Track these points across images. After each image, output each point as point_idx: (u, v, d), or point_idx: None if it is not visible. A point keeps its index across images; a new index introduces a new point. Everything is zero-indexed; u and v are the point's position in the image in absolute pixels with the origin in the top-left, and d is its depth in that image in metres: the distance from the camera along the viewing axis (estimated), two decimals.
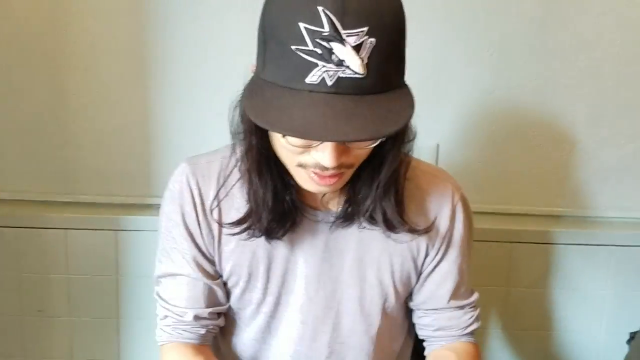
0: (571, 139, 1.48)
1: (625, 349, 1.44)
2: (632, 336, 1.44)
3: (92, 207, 1.50)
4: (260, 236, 0.88)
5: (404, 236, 0.92)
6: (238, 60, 1.24)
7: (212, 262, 0.94)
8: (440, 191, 0.95)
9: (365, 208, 0.87)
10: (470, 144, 1.47)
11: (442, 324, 0.99)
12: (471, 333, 1.01)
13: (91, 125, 1.45)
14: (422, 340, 1.03)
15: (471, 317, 1.00)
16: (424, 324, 1.01)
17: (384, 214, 0.87)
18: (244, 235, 0.88)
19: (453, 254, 0.96)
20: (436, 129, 1.46)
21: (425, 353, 1.02)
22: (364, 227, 0.91)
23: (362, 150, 0.78)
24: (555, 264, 1.51)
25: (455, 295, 0.98)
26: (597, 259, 1.50)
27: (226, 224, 0.90)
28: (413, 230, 0.90)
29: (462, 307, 0.99)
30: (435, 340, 1.01)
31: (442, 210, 0.94)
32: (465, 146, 1.48)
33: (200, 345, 0.95)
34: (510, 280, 1.52)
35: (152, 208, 1.46)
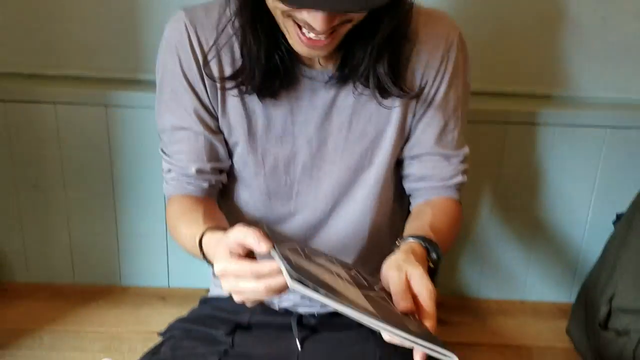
0: (574, 15, 1.43)
1: (611, 230, 1.48)
2: (619, 217, 1.48)
3: (81, 81, 1.47)
4: (252, 93, 0.87)
5: (395, 101, 0.91)
6: None
7: (213, 116, 0.93)
8: (436, 31, 0.92)
9: (360, 72, 0.86)
10: (469, 20, 1.41)
11: (425, 172, 0.98)
12: (455, 187, 0.99)
13: None
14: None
15: (456, 169, 0.98)
16: (408, 173, 1.00)
17: (377, 80, 0.86)
18: (236, 91, 0.87)
19: (440, 96, 0.94)
20: (434, 3, 1.39)
21: (410, 209, 1.03)
22: (359, 93, 0.90)
23: (355, 14, 0.75)
24: (547, 145, 1.51)
25: (439, 140, 0.96)
26: (589, 140, 1.50)
27: (218, 78, 0.88)
28: (405, 95, 0.89)
29: (447, 158, 0.98)
30: (418, 193, 1.00)
31: (435, 52, 0.92)
32: (465, 22, 1.37)
33: (203, 198, 0.96)
34: (502, 161, 1.53)
35: (142, 84, 1.45)
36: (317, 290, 0.56)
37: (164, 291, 1.64)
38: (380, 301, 0.66)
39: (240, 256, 0.70)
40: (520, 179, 1.55)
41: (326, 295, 0.56)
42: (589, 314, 1.43)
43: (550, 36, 1.45)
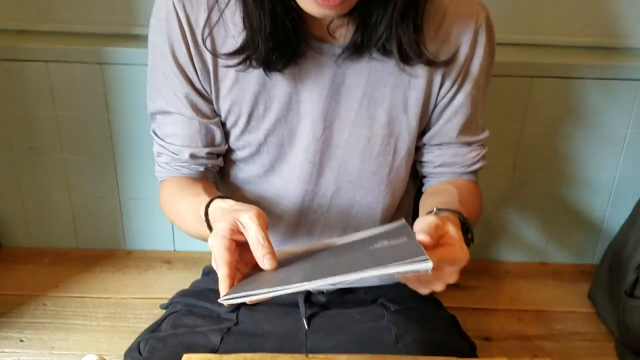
0: None
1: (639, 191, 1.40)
2: None
3: (73, 37, 1.40)
4: (258, 67, 0.80)
5: (420, 69, 0.82)
6: None
7: (207, 100, 0.87)
8: (463, 11, 0.83)
9: (379, 35, 0.77)
10: None
11: (445, 160, 0.92)
12: (474, 172, 0.94)
13: None
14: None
15: (477, 155, 0.93)
16: (426, 160, 0.94)
17: (400, 43, 0.77)
18: (241, 67, 0.80)
19: (469, 85, 0.87)
20: None
21: (423, 189, 0.97)
22: (374, 59, 0.81)
23: None
24: (575, 100, 1.42)
25: (464, 130, 0.90)
26: (620, 94, 1.41)
27: (222, 54, 0.81)
28: (431, 63, 0.81)
29: (469, 144, 0.92)
30: (435, 176, 0.95)
31: (463, 35, 0.83)
32: None
33: (200, 179, 0.91)
34: (526, 119, 1.44)
35: (138, 39, 1.38)
36: (241, 294, 0.61)
37: (170, 255, 1.60)
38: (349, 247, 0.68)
39: (232, 242, 0.66)
40: (545, 137, 1.47)
41: (248, 294, 0.60)
42: (614, 279, 1.37)
43: None
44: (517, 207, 1.56)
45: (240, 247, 0.67)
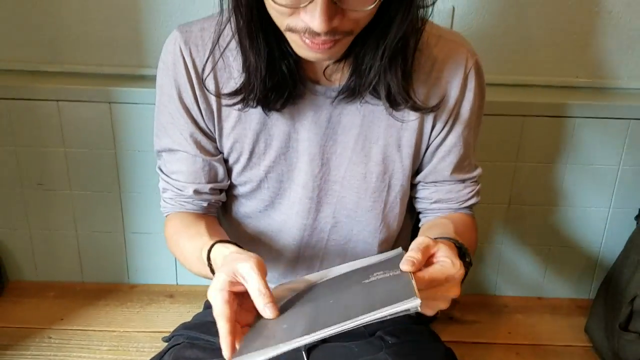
0: (594, 5, 1.36)
1: (633, 226, 1.43)
2: None
3: (82, 77, 1.44)
4: (255, 106, 0.84)
5: (408, 114, 0.86)
6: None
7: (211, 138, 0.91)
8: (453, 57, 0.87)
9: (370, 80, 0.80)
10: (487, 8, 1.37)
11: (440, 197, 0.96)
12: (469, 207, 0.98)
13: None
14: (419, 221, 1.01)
15: (471, 192, 0.97)
16: (422, 197, 0.97)
17: (388, 89, 0.81)
18: (240, 106, 0.84)
19: (460, 127, 0.91)
20: None
21: (420, 225, 1.00)
22: (366, 102, 0.85)
23: (360, 13, 0.69)
24: (567, 138, 1.45)
25: (457, 168, 0.94)
26: (611, 132, 1.45)
27: (223, 94, 0.85)
28: (418, 109, 0.84)
29: (463, 181, 0.96)
30: (431, 212, 0.98)
31: (453, 80, 0.87)
32: (483, 10, 1.37)
33: (203, 214, 0.95)
34: (520, 155, 1.48)
35: (145, 79, 1.43)
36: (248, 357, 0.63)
37: (172, 288, 1.62)
38: (346, 283, 0.70)
39: (231, 294, 0.68)
40: (538, 174, 1.50)
41: (255, 356, 0.62)
42: (609, 314, 1.38)
43: (571, 23, 1.39)
44: (514, 242, 1.59)
45: (240, 296, 0.69)
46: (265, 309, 0.67)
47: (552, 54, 1.42)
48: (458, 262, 0.69)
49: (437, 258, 0.70)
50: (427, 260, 0.70)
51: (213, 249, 0.79)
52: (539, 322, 1.55)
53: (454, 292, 0.69)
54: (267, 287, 0.67)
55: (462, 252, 0.78)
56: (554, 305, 1.61)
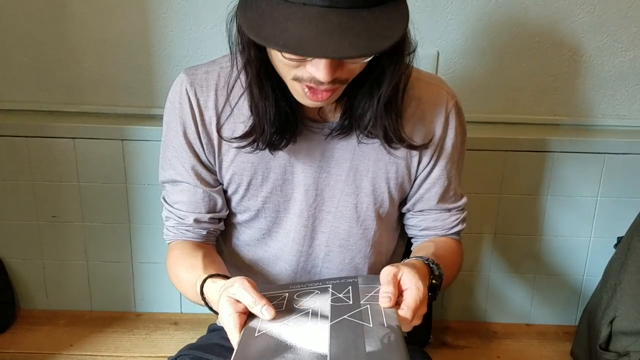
0: (571, 46, 1.47)
1: (612, 254, 1.50)
2: (620, 240, 1.50)
3: (97, 117, 1.53)
4: (264, 148, 0.90)
5: (401, 151, 0.94)
6: None
7: (211, 171, 0.97)
8: (435, 99, 0.95)
9: (365, 123, 0.88)
10: (470, 52, 1.47)
11: (428, 225, 1.03)
12: (456, 233, 1.05)
13: (91, 35, 1.47)
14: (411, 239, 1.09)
15: (456, 220, 1.03)
16: (411, 224, 1.05)
17: (385, 131, 0.88)
18: (249, 148, 0.91)
19: (444, 161, 0.98)
20: (436, 37, 1.46)
21: (412, 249, 1.07)
22: (362, 142, 0.93)
23: (357, 64, 0.78)
24: (548, 171, 1.54)
25: (443, 198, 1.01)
26: (589, 166, 1.54)
27: (232, 138, 0.91)
28: (412, 147, 0.92)
29: (449, 210, 1.03)
30: (420, 238, 1.05)
31: (436, 119, 0.95)
32: (466, 54, 1.48)
33: (202, 243, 1.01)
34: (504, 188, 1.56)
35: (155, 118, 1.51)
36: None
37: (177, 316, 1.68)
38: (345, 323, 0.72)
39: (241, 316, 0.75)
40: (522, 205, 1.58)
41: None
42: (591, 336, 1.45)
43: (548, 66, 1.50)
44: (501, 271, 1.66)
45: (246, 315, 0.77)
46: (263, 311, 0.74)
47: (531, 94, 1.52)
48: (421, 285, 0.77)
49: (403, 284, 0.77)
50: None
51: (205, 284, 0.86)
52: (527, 347, 1.61)
53: (423, 310, 0.77)
54: (258, 295, 0.75)
55: (432, 270, 0.86)
56: (541, 331, 1.67)
